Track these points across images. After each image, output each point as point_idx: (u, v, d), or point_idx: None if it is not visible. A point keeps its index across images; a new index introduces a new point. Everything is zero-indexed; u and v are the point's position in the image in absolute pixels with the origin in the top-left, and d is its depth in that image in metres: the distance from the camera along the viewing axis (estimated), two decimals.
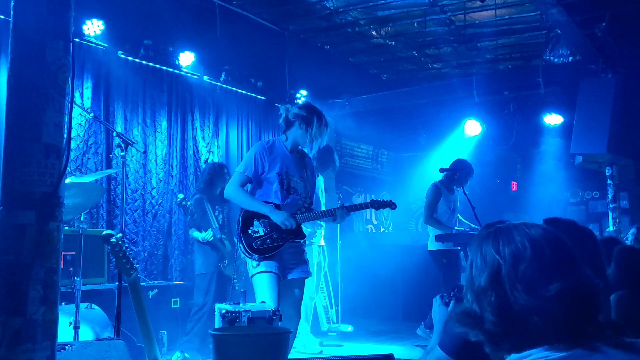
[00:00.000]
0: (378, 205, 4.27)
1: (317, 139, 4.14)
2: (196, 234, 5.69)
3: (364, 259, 8.30)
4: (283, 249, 4.03)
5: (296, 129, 4.15)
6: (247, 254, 4.00)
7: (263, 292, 3.90)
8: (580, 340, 1.20)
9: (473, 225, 6.26)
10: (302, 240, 4.16)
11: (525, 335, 1.22)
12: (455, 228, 6.19)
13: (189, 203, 5.67)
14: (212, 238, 5.63)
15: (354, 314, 7.66)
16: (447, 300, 2.68)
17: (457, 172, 6.12)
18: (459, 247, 5.99)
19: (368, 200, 4.34)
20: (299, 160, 4.24)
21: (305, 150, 4.38)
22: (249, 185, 4.18)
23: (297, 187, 4.17)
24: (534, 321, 1.20)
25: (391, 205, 4.30)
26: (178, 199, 5.72)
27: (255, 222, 4.04)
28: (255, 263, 3.98)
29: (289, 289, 4.07)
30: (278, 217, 4.00)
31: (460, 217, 6.50)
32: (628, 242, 5.48)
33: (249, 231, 4.02)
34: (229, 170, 5.97)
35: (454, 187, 6.28)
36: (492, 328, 1.24)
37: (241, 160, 4.43)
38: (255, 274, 3.98)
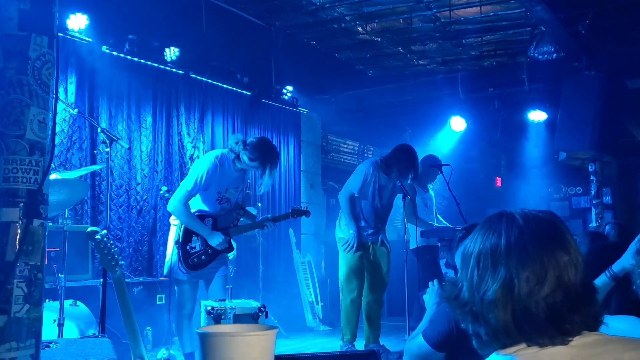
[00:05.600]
0: (296, 213, 4.68)
1: (271, 179, 4.31)
2: None
3: None
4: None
5: (251, 168, 4.35)
6: (180, 268, 4.20)
7: (185, 298, 4.22)
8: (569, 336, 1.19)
9: (448, 224, 6.32)
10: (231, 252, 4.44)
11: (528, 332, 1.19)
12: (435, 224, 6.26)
13: None
14: None
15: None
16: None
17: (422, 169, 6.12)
18: (439, 244, 6.04)
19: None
20: (240, 174, 4.42)
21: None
22: None
23: (230, 197, 4.38)
24: (538, 316, 1.18)
25: (306, 213, 4.70)
26: (161, 192, 5.69)
27: (194, 238, 4.25)
28: (181, 274, 4.22)
29: (214, 284, 4.37)
30: (214, 241, 4.23)
31: (440, 218, 6.54)
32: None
33: (187, 247, 4.22)
34: None
35: (427, 184, 6.31)
36: (495, 323, 1.22)
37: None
38: (180, 280, 4.24)
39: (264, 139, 4.38)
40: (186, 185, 4.21)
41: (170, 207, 4.26)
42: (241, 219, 4.52)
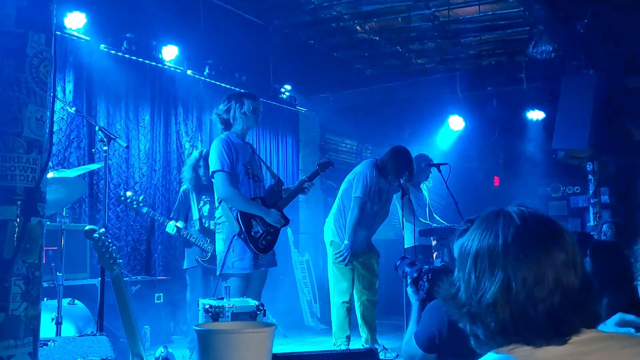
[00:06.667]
0: (323, 166, 4.96)
1: (260, 110, 4.55)
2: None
3: None
4: None
5: (242, 120, 4.45)
6: (255, 254, 4.28)
7: (240, 291, 4.21)
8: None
9: (445, 223, 6.31)
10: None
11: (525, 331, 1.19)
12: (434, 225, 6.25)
13: (134, 205, 5.30)
14: (174, 232, 5.47)
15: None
16: (421, 285, 2.73)
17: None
18: (433, 243, 6.04)
19: None
20: (250, 149, 4.57)
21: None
22: None
23: (258, 174, 4.50)
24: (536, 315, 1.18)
25: (331, 163, 5.00)
26: (123, 197, 5.27)
27: (253, 222, 4.31)
28: (238, 262, 4.25)
29: (261, 276, 4.49)
30: (271, 218, 4.35)
31: (437, 217, 6.54)
32: (603, 237, 5.55)
33: (252, 233, 4.28)
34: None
35: (420, 184, 6.30)
36: (493, 325, 1.21)
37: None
38: (238, 275, 4.26)
39: None
40: (215, 167, 4.29)
41: (221, 194, 4.30)
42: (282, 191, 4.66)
